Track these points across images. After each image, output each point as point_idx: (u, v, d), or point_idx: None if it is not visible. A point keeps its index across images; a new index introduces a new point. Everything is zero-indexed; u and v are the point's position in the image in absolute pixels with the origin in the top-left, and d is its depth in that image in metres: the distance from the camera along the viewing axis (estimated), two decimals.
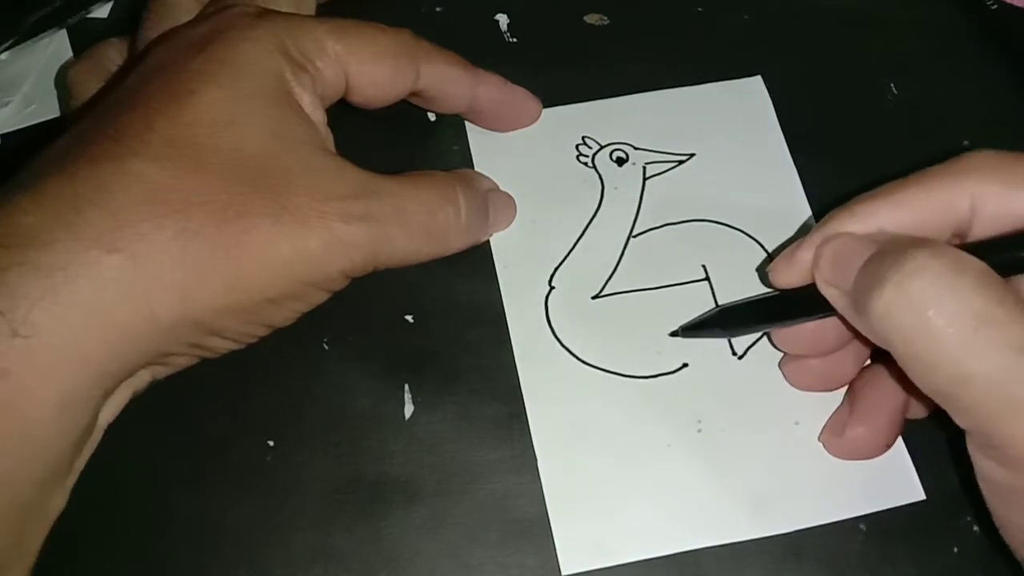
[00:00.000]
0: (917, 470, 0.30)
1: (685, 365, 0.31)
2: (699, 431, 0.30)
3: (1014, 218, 0.25)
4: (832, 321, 0.27)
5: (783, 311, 0.29)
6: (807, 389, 0.30)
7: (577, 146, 0.35)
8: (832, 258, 0.26)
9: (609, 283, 0.33)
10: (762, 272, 0.32)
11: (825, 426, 0.30)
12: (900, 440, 0.30)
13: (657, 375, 0.31)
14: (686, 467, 0.30)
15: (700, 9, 0.38)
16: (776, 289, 0.29)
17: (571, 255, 0.33)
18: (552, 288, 0.32)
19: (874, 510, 0.29)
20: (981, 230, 0.25)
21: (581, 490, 0.29)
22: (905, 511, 0.29)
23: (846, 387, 0.30)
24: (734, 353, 0.31)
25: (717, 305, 0.31)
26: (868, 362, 0.30)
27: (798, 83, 0.36)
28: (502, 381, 0.31)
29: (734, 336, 0.31)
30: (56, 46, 0.39)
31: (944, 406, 0.23)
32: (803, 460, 0.30)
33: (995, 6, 0.38)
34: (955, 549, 0.29)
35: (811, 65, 0.37)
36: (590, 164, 0.35)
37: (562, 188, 0.34)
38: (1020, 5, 0.38)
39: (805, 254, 0.27)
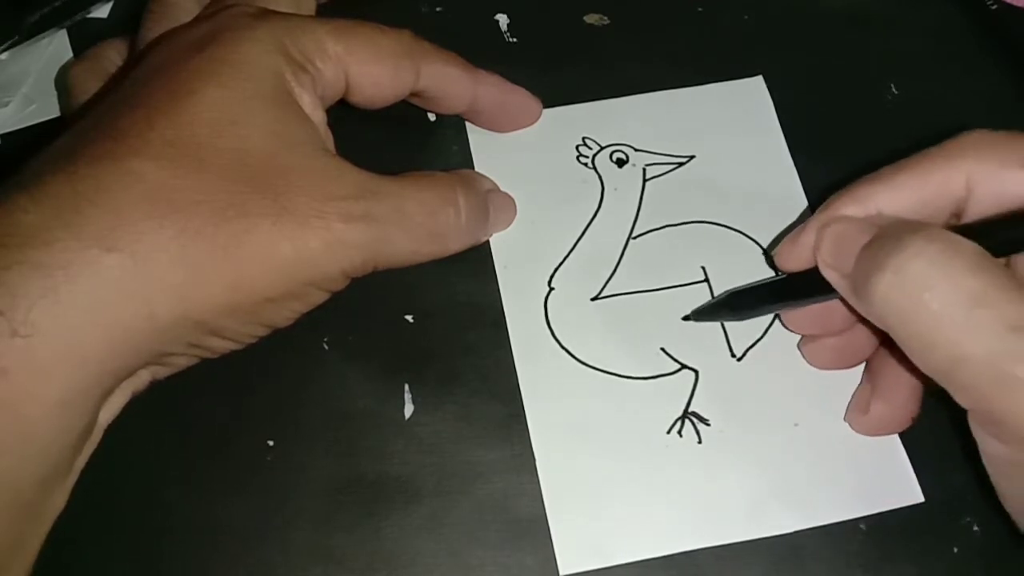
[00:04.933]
0: (916, 473, 0.30)
1: (684, 367, 0.31)
2: (698, 432, 0.30)
3: (1009, 197, 0.25)
4: (837, 302, 0.28)
5: (790, 293, 0.30)
6: (825, 367, 0.31)
7: (577, 147, 0.35)
8: (832, 241, 0.27)
9: (608, 284, 0.33)
10: (769, 256, 0.33)
11: (849, 405, 0.30)
12: (899, 443, 0.30)
13: (656, 376, 0.31)
14: (685, 468, 0.30)
15: (700, 9, 0.38)
16: (782, 272, 0.30)
17: (571, 256, 0.33)
18: (552, 289, 0.32)
19: (872, 512, 0.29)
20: (976, 210, 0.26)
21: (580, 490, 0.29)
22: (905, 511, 0.29)
23: (855, 380, 0.31)
24: (733, 355, 0.31)
25: (727, 290, 0.32)
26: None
27: (798, 83, 0.36)
28: (502, 381, 0.31)
29: (743, 319, 0.31)
30: (56, 46, 0.39)
31: (943, 385, 0.24)
32: (802, 462, 0.30)
33: (995, 6, 0.38)
34: (955, 549, 0.29)
35: (811, 65, 0.37)
36: (590, 165, 0.35)
37: (562, 189, 0.34)
38: (1020, 5, 0.38)
39: (808, 237, 0.28)
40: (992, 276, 0.23)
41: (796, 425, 0.30)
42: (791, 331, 0.31)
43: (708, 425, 0.30)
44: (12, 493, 0.23)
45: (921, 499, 0.29)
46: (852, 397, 0.30)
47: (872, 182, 0.27)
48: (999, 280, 0.23)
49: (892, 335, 0.24)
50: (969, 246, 0.23)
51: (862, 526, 0.29)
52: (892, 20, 0.38)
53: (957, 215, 0.26)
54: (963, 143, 0.26)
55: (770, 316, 0.32)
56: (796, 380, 0.31)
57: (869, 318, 0.25)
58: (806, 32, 0.38)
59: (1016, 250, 0.25)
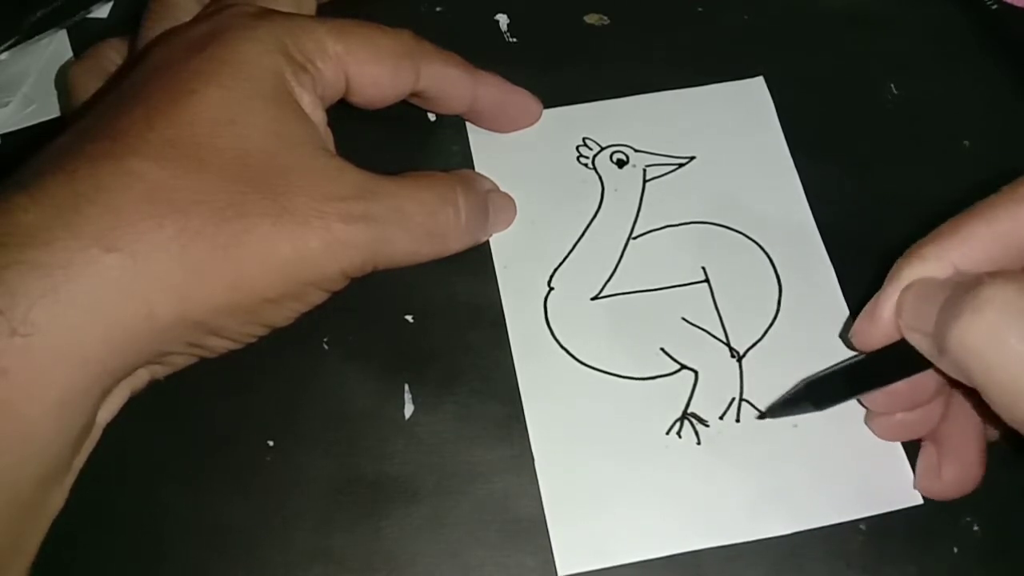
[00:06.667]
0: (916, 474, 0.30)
1: (684, 367, 0.31)
2: (697, 432, 0.30)
3: None
4: (927, 374, 0.26)
5: (874, 376, 0.28)
6: (894, 440, 0.30)
7: (577, 147, 0.35)
8: (913, 303, 0.25)
9: (608, 284, 0.33)
10: (845, 338, 0.31)
11: (917, 473, 0.29)
12: (899, 445, 0.30)
13: (655, 376, 0.31)
14: (684, 470, 0.30)
15: (700, 9, 0.38)
16: (861, 352, 0.28)
17: (570, 256, 0.33)
18: (551, 289, 0.32)
19: (872, 513, 0.29)
20: None
21: (579, 491, 0.29)
22: (905, 512, 0.29)
23: None
24: (733, 355, 0.31)
25: (802, 380, 0.30)
26: None
27: (797, 83, 0.36)
28: (502, 381, 0.31)
29: (825, 408, 0.29)
30: (56, 46, 0.39)
31: None
32: (801, 463, 0.30)
33: (995, 6, 0.38)
34: (955, 549, 0.29)
35: (811, 65, 0.37)
36: (590, 165, 0.35)
37: (562, 189, 0.34)
38: (1020, 5, 0.38)
39: (885, 309, 0.26)
40: None
41: (795, 427, 0.30)
42: (869, 408, 0.30)
43: (707, 426, 0.30)
44: (11, 493, 0.23)
45: (920, 501, 0.29)
46: (919, 464, 0.29)
47: (939, 239, 0.26)
48: None
49: (975, 386, 0.22)
50: None
51: (862, 527, 0.29)
52: (892, 20, 0.38)
53: None
54: None
55: (770, 316, 0.32)
56: (796, 380, 0.31)
57: (952, 373, 0.24)
58: (806, 32, 0.38)
59: None
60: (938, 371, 0.25)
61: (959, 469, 0.28)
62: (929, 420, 0.29)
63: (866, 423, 0.30)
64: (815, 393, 0.29)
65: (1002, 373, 0.22)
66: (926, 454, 0.29)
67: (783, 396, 0.30)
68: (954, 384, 0.27)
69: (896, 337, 0.26)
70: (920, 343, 0.25)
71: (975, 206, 0.25)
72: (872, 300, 0.27)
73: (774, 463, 0.30)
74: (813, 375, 0.30)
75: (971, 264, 0.25)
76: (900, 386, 0.27)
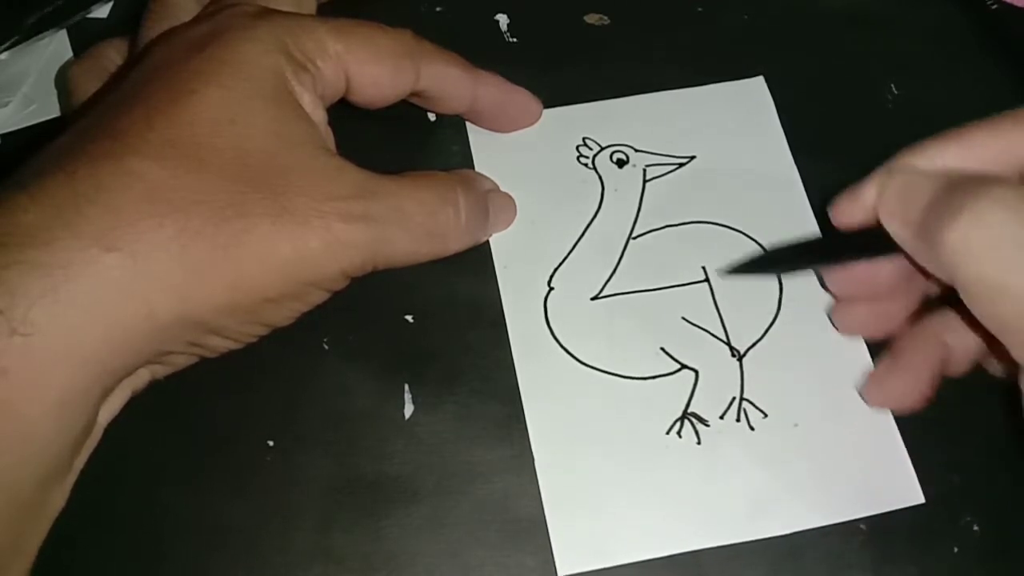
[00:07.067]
0: (916, 473, 0.29)
1: (684, 367, 0.31)
2: (697, 432, 0.30)
3: None
4: (886, 264, 0.27)
5: (838, 252, 0.29)
6: (853, 334, 0.31)
7: (577, 147, 0.35)
8: (898, 190, 0.26)
9: (608, 284, 0.33)
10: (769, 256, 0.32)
11: (868, 377, 0.30)
12: (900, 443, 0.30)
13: (655, 376, 0.31)
14: (684, 469, 0.30)
15: (700, 9, 0.38)
16: (833, 230, 0.29)
17: (571, 256, 0.33)
18: (551, 289, 0.32)
19: (873, 513, 0.29)
20: None
21: (579, 491, 0.29)
22: (905, 512, 0.29)
23: (856, 381, 0.31)
24: (734, 355, 0.31)
25: (763, 247, 0.31)
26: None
27: (798, 83, 0.36)
28: (502, 381, 0.31)
29: (782, 274, 0.30)
30: (56, 46, 0.39)
31: (1006, 339, 0.23)
32: (803, 462, 0.30)
33: (995, 6, 0.38)
34: (955, 549, 0.29)
35: (810, 65, 0.37)
36: (590, 165, 0.35)
37: (562, 189, 0.34)
38: (1020, 5, 0.38)
39: (869, 192, 0.27)
40: None
41: (796, 425, 0.30)
42: (828, 291, 0.31)
43: (707, 426, 0.30)
44: (11, 493, 0.23)
45: (922, 500, 0.29)
46: (872, 370, 0.30)
47: (943, 139, 0.26)
48: None
49: (960, 285, 0.23)
50: None
51: (862, 526, 0.29)
52: (892, 20, 0.38)
53: None
54: None
55: (771, 316, 0.32)
56: (796, 380, 0.31)
57: (933, 269, 0.24)
58: (806, 32, 0.38)
59: None
60: (910, 263, 0.26)
61: (904, 383, 0.29)
62: (887, 321, 0.29)
63: (829, 317, 0.31)
64: (777, 258, 0.30)
65: (994, 275, 0.22)
66: (881, 364, 0.30)
67: (744, 257, 0.31)
68: (925, 274, 0.28)
69: (871, 220, 0.27)
70: (897, 231, 0.25)
71: (985, 119, 0.26)
72: (859, 182, 0.27)
73: (774, 463, 0.30)
74: (776, 244, 0.31)
75: (965, 168, 0.25)
76: (860, 268, 0.28)
